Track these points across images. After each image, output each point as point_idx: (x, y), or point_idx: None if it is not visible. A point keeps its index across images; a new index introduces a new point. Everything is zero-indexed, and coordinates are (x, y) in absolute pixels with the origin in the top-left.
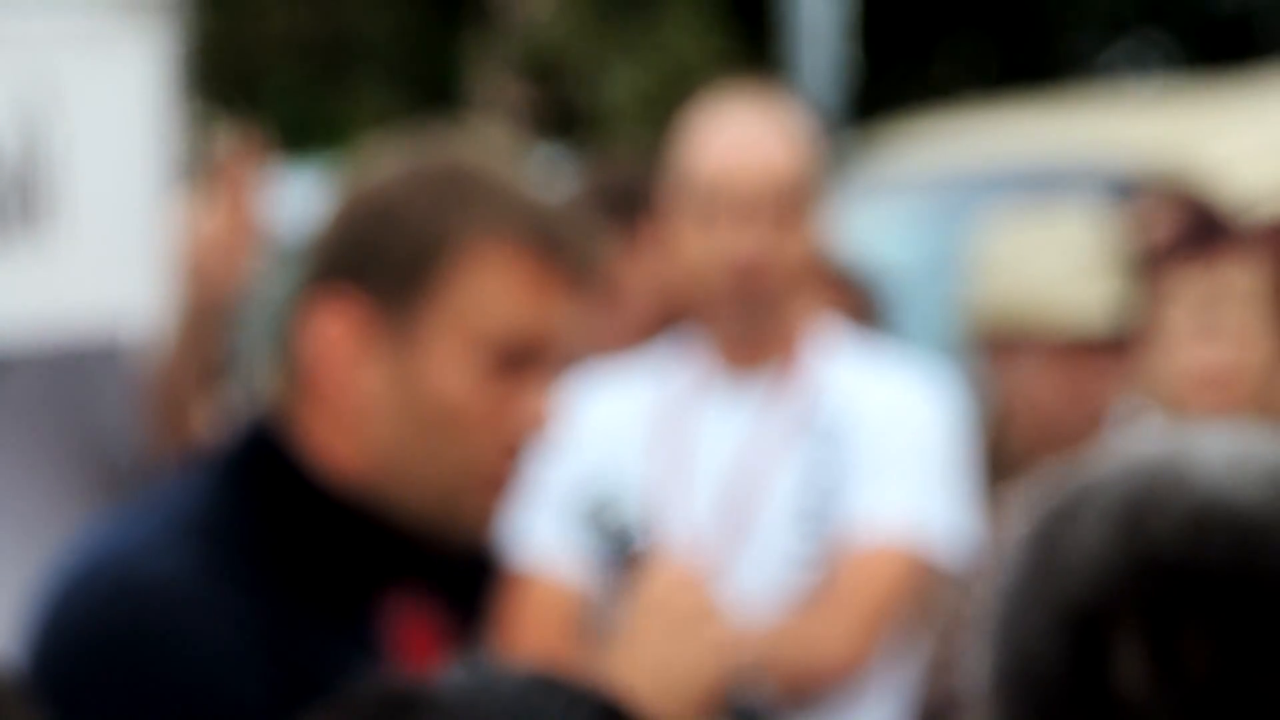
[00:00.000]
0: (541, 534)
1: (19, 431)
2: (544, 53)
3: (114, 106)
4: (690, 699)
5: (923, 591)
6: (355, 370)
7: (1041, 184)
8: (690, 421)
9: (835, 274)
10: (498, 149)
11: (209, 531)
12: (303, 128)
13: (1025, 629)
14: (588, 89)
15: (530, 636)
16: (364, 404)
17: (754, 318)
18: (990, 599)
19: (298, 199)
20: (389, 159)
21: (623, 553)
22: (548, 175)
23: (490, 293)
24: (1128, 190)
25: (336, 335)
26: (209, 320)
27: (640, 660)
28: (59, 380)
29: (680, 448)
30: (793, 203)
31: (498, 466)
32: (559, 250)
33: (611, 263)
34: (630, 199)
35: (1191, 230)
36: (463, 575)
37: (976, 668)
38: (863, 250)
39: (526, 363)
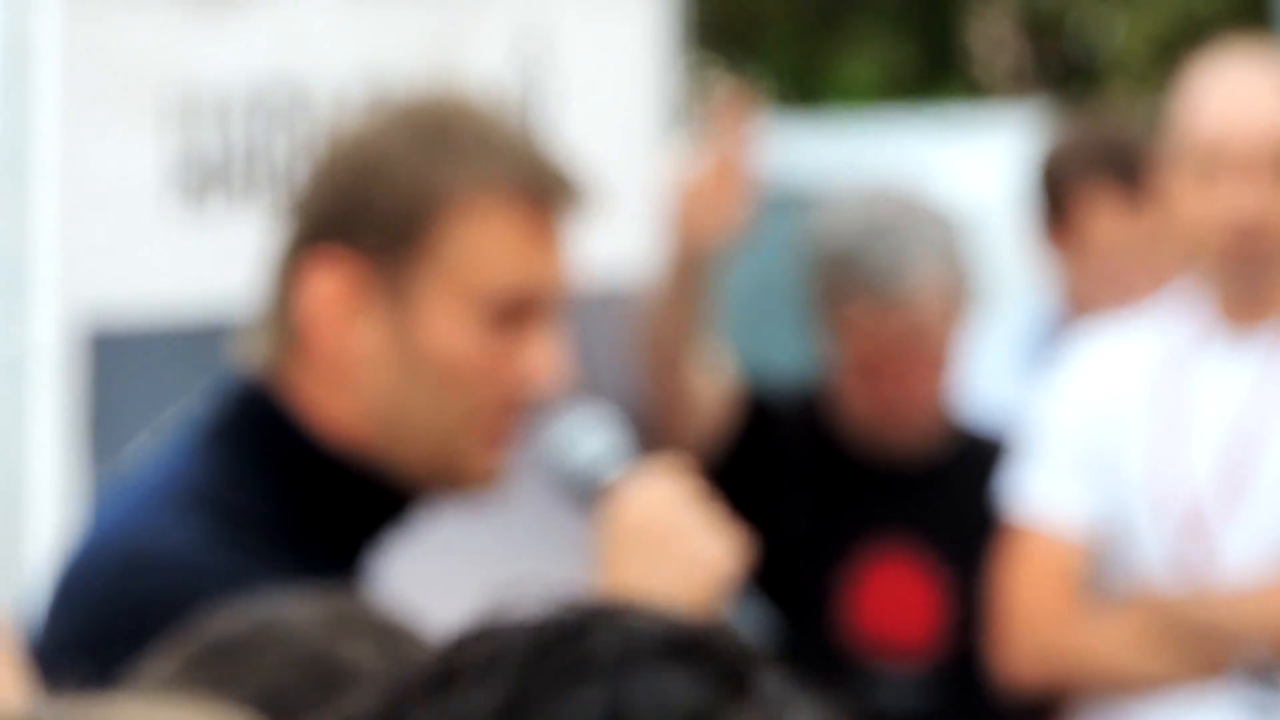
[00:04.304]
0: (1041, 487)
1: None
2: (1046, 3)
3: (612, 57)
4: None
5: None
6: (350, 330)
7: None
8: (1190, 378)
9: None
10: (476, 95)
11: (214, 501)
12: (800, 80)
13: None
14: (1089, 41)
15: (1028, 591)
16: (360, 363)
17: (1254, 277)
18: None
19: (795, 151)
20: (371, 109)
21: (592, 488)
22: (1046, 128)
23: (484, 247)
24: None
25: (329, 295)
26: (697, 270)
27: (622, 589)
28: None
29: (1180, 405)
30: None
31: (497, 420)
32: (551, 199)
33: (1109, 217)
34: (1130, 154)
35: None
36: (965, 528)
37: None
38: None
39: (525, 315)
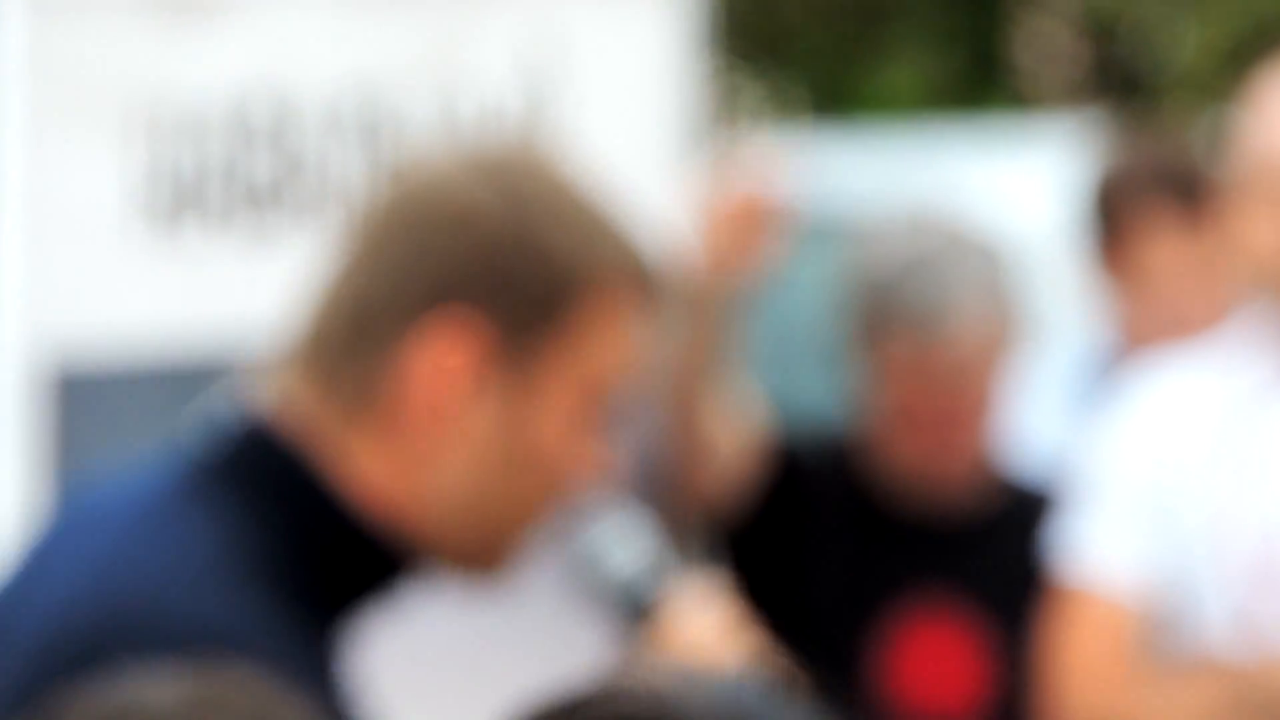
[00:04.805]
0: (1095, 542)
1: None
2: (1103, 7)
3: (628, 68)
4: None
5: None
6: (464, 406)
7: None
8: (1260, 421)
9: None
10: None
11: (259, 569)
12: (834, 90)
13: None
14: (1149, 48)
15: (1082, 657)
16: (455, 441)
17: None
18: None
19: (829, 167)
20: (468, 167)
21: (632, 605)
22: (1101, 142)
23: (606, 335)
24: None
25: (456, 366)
26: (721, 308)
27: None
28: None
29: (1249, 450)
30: None
31: (545, 510)
32: (651, 289)
33: (1166, 246)
34: (1191, 175)
35: None
36: (1011, 587)
37: None
38: None
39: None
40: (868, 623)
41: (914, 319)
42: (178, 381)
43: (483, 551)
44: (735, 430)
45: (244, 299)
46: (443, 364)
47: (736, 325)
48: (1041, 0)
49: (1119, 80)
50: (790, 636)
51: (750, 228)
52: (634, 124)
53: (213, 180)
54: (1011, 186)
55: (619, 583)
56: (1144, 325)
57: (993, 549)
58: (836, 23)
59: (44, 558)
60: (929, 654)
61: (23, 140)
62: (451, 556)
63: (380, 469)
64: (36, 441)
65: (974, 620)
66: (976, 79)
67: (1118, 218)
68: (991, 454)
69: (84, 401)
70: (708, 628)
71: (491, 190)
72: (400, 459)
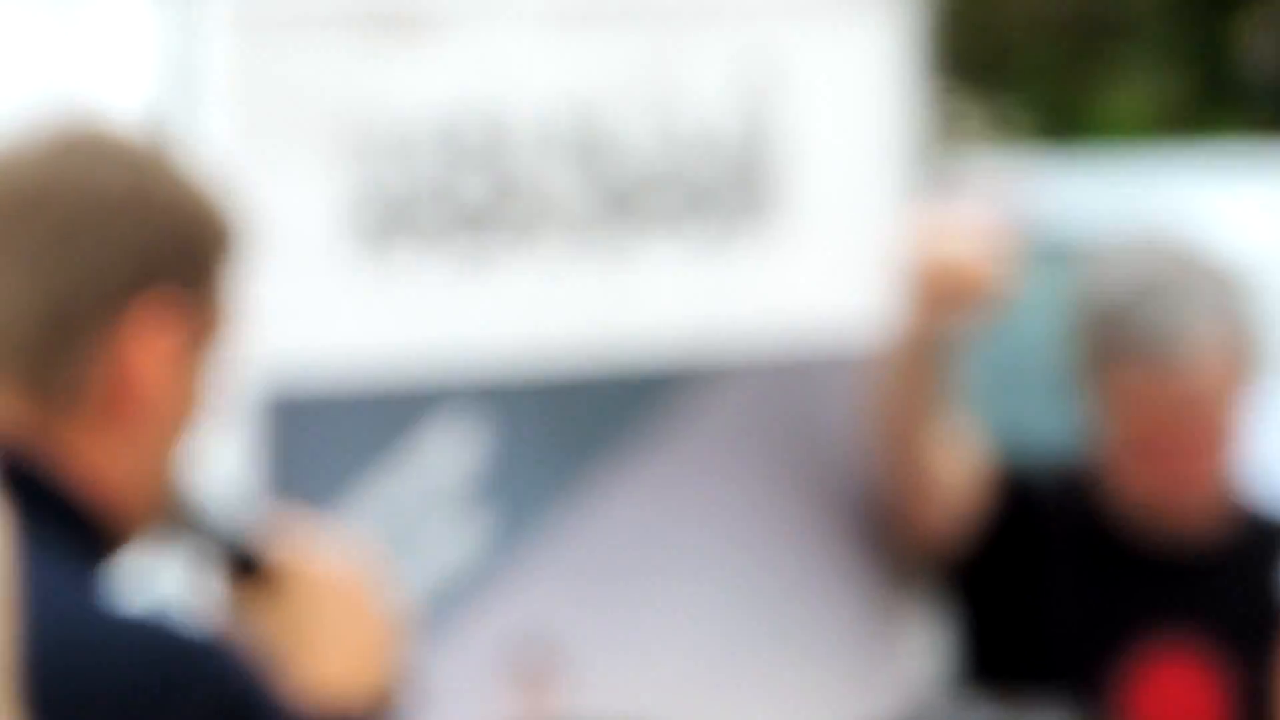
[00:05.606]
0: None
1: (735, 446)
2: None
3: (846, 88)
4: (379, 687)
5: None
6: (172, 386)
7: None
8: None
9: None
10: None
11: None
12: (1059, 113)
13: None
14: None
15: None
16: (160, 418)
17: None
18: None
19: (1054, 194)
20: (75, 150)
21: (236, 555)
22: None
23: (228, 287)
24: None
25: (168, 348)
26: (941, 336)
27: (335, 658)
28: (780, 391)
29: None
30: None
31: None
32: (239, 239)
33: None
34: None
35: None
36: (1254, 623)
37: None
38: None
39: None
40: (1104, 658)
41: (1146, 347)
42: (391, 405)
43: (147, 520)
44: (961, 462)
45: (458, 321)
46: (156, 348)
47: (959, 358)
48: (1275, 18)
49: None
50: (1025, 672)
51: (976, 253)
52: (852, 144)
53: (422, 201)
54: (1245, 214)
55: (220, 536)
56: None
57: (1233, 582)
58: (1061, 42)
59: None
60: (1168, 691)
61: (230, 160)
62: (129, 530)
63: (104, 459)
64: (254, 466)
65: (1214, 657)
66: (1210, 101)
67: None
68: (1230, 484)
69: (297, 425)
70: (340, 567)
71: (129, 169)
72: (120, 445)
